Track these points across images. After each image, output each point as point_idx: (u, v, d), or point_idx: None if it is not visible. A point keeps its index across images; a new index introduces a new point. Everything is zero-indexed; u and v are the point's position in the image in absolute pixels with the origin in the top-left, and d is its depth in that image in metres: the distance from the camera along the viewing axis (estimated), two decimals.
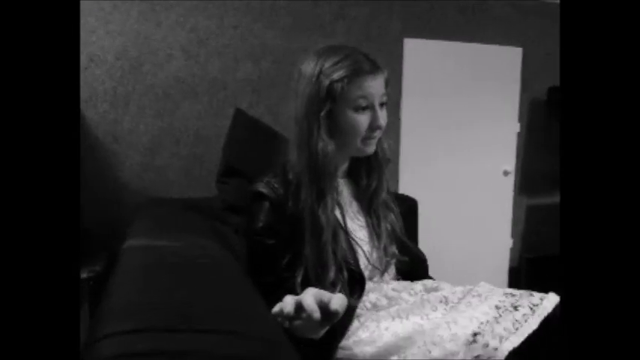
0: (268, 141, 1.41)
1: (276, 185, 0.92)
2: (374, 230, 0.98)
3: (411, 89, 1.89)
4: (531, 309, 0.90)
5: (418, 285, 0.96)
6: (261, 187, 0.92)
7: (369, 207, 0.99)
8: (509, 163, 2.11)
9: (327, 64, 0.88)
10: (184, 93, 1.61)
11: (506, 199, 2.14)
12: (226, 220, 1.25)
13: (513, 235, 2.18)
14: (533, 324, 0.81)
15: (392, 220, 1.02)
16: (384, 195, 1.00)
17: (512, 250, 2.19)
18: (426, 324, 0.85)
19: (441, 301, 0.90)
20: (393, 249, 1.00)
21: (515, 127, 2.10)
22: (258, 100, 1.71)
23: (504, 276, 2.19)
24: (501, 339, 0.79)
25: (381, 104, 0.91)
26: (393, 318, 0.88)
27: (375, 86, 0.90)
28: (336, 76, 0.86)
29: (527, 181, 2.18)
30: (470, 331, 0.79)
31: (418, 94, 1.92)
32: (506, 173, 2.10)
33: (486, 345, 0.78)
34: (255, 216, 0.91)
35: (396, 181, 1.87)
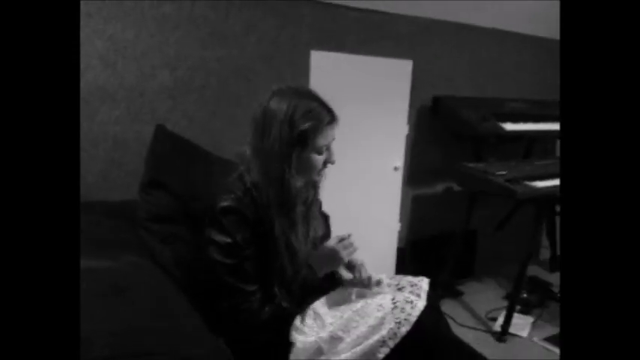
0: (188, 155, 1.56)
1: (246, 203, 1.12)
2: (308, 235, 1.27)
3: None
4: (412, 285, 1.25)
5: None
6: (236, 204, 1.12)
7: (306, 214, 1.24)
8: (399, 160, 2.44)
9: (298, 113, 1.10)
10: (102, 99, 1.67)
11: (396, 191, 2.48)
12: (151, 229, 1.40)
13: (401, 221, 2.55)
14: (423, 297, 1.15)
15: (315, 225, 1.31)
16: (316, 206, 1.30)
17: (399, 233, 2.56)
18: (356, 304, 1.17)
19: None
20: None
21: (405, 129, 2.42)
22: (174, 106, 1.82)
23: (394, 254, 2.56)
24: (410, 304, 1.12)
25: None
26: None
27: (333, 133, 1.16)
28: (306, 126, 1.09)
29: (413, 175, 2.54)
30: (389, 302, 1.11)
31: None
32: (396, 169, 2.44)
33: (402, 309, 1.10)
34: (233, 229, 1.11)
35: None
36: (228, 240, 1.12)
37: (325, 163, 1.22)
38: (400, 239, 2.57)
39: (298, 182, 1.16)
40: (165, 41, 1.75)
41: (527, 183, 2.06)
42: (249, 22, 1.91)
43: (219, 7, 1.83)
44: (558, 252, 2.99)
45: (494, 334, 2.18)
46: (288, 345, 1.15)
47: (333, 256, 1.21)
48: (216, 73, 1.87)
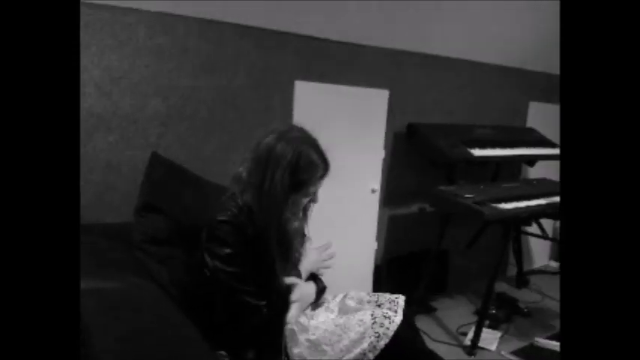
0: (180, 179, 1.66)
1: (241, 220, 1.24)
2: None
3: (300, 122, 2.24)
4: (390, 302, 1.36)
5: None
6: (231, 219, 1.24)
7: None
8: (376, 182, 2.58)
9: (300, 163, 1.23)
10: (97, 126, 1.75)
11: (373, 212, 2.62)
12: (147, 250, 1.49)
13: (377, 240, 2.69)
14: (399, 312, 1.27)
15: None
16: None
17: (376, 251, 2.69)
18: (339, 319, 1.29)
19: (337, 306, 1.37)
20: None
21: (381, 154, 2.57)
22: (166, 132, 1.91)
23: (370, 272, 2.68)
24: (387, 319, 1.24)
25: None
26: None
27: (322, 182, 1.30)
28: (305, 177, 1.23)
29: (389, 196, 2.69)
30: (369, 317, 1.23)
31: (306, 126, 2.26)
32: (373, 191, 2.58)
33: (381, 324, 1.22)
34: (231, 240, 1.24)
35: None
36: (228, 250, 1.23)
37: (310, 202, 1.36)
38: (377, 257, 2.70)
39: (295, 223, 1.30)
40: (159, 71, 1.85)
41: (494, 205, 2.23)
42: (238, 54, 2.03)
43: (211, 39, 1.95)
44: (523, 269, 3.18)
45: (464, 348, 2.32)
46: (281, 353, 1.25)
47: (316, 267, 1.37)
48: (206, 102, 1.98)
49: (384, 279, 2.66)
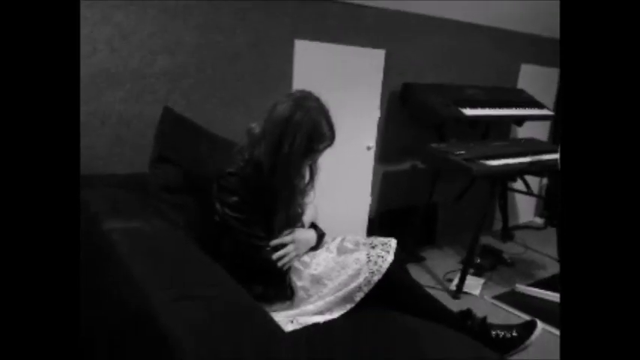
0: (191, 133, 1.77)
1: (248, 172, 1.41)
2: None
3: (300, 82, 2.32)
4: (383, 244, 1.52)
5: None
6: (238, 171, 1.41)
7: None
8: (372, 140, 2.71)
9: (316, 133, 1.37)
10: (108, 82, 1.84)
11: (368, 168, 2.75)
12: (162, 198, 1.61)
13: (372, 194, 2.84)
14: (391, 253, 1.43)
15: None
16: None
17: (370, 205, 2.85)
18: (337, 258, 1.44)
19: (336, 247, 1.51)
20: None
21: (377, 113, 2.68)
22: (173, 88, 2.00)
23: (365, 223, 2.84)
24: (381, 258, 1.40)
25: None
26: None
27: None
28: (317, 146, 1.35)
29: (383, 153, 2.82)
30: (364, 257, 1.38)
31: (305, 83, 2.34)
32: (368, 148, 2.70)
33: (375, 262, 1.38)
34: (238, 189, 1.40)
35: None
36: (236, 199, 1.37)
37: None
38: (371, 210, 2.86)
39: (303, 182, 1.44)
40: (165, 29, 1.92)
41: (482, 162, 2.37)
42: (239, 13, 2.09)
43: None
44: (508, 224, 3.37)
45: (450, 292, 2.52)
46: (286, 287, 1.42)
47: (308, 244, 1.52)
48: (209, 59, 2.06)
49: (377, 230, 2.83)
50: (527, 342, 1.66)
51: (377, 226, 2.84)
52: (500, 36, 3.18)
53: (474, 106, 2.68)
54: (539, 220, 3.84)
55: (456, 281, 2.56)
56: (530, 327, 1.69)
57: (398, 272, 1.46)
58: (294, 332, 1.30)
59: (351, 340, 1.26)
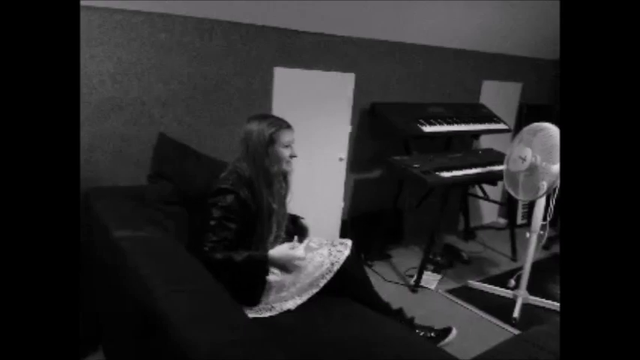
0: (182, 154, 2.11)
1: (240, 185, 1.74)
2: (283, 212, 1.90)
3: (279, 105, 2.67)
4: (341, 243, 1.88)
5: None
6: (230, 187, 1.73)
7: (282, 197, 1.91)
8: (344, 152, 3.06)
9: (265, 124, 1.78)
10: (112, 108, 2.18)
11: (341, 176, 3.10)
12: (159, 208, 1.95)
13: (344, 200, 3.19)
14: (347, 249, 1.78)
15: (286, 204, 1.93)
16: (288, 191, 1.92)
17: (343, 209, 3.20)
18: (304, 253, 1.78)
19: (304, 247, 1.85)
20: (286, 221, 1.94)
21: (348, 128, 3.03)
22: (167, 112, 2.33)
23: (338, 226, 3.20)
24: (340, 252, 1.76)
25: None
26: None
27: (291, 135, 1.81)
28: (272, 129, 1.73)
29: (354, 164, 3.17)
30: (327, 252, 1.75)
31: (284, 108, 2.70)
32: (341, 159, 3.05)
33: (335, 255, 1.75)
34: (226, 200, 1.72)
35: None
36: (219, 213, 1.71)
37: (290, 157, 1.83)
38: (344, 214, 3.21)
39: (274, 168, 1.78)
40: (161, 62, 2.25)
41: (437, 173, 2.73)
42: (226, 45, 2.43)
43: (203, 34, 2.34)
44: (470, 224, 3.74)
45: (409, 286, 2.89)
46: (263, 283, 1.77)
47: (285, 263, 1.80)
48: (200, 86, 2.40)
49: (350, 232, 3.19)
50: (442, 343, 2.08)
51: (349, 228, 3.19)
52: (463, 56, 3.53)
53: (433, 122, 3.03)
54: (502, 221, 4.21)
55: (415, 277, 2.92)
56: (447, 332, 2.13)
57: (353, 266, 1.86)
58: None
59: (308, 323, 1.62)
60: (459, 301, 2.77)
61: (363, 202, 3.29)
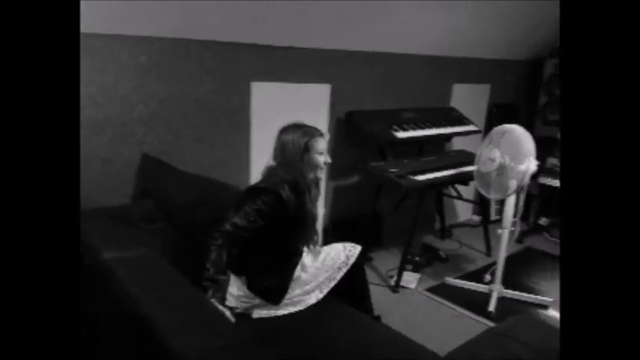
0: (164, 173, 2.18)
1: (282, 186, 1.81)
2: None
3: (258, 118, 2.76)
4: (351, 245, 1.99)
5: None
6: (268, 185, 1.81)
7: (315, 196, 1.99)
8: None
9: (299, 134, 1.87)
10: (94, 130, 2.23)
11: (321, 183, 3.19)
12: (142, 226, 2.02)
13: (325, 206, 3.29)
14: (358, 250, 1.95)
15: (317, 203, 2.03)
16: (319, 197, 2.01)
17: (324, 215, 3.30)
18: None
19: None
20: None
21: (326, 136, 3.13)
22: (148, 131, 2.39)
23: (320, 232, 3.30)
24: (351, 250, 1.93)
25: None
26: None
27: (323, 142, 1.92)
28: (306, 139, 1.85)
29: (334, 170, 3.27)
30: (341, 246, 1.94)
31: (262, 119, 2.79)
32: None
33: (350, 250, 1.95)
34: (267, 202, 1.79)
35: (249, 183, 2.77)
36: (250, 208, 1.78)
37: (325, 163, 1.95)
38: (325, 220, 3.31)
39: (310, 175, 1.89)
40: (140, 83, 2.32)
41: (412, 177, 2.85)
42: (202, 63, 2.50)
43: (180, 54, 2.41)
44: (446, 223, 3.89)
45: (390, 287, 3.00)
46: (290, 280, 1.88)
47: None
48: (179, 105, 2.47)
49: (332, 237, 3.28)
50: None
51: (331, 233, 3.29)
52: (433, 61, 3.66)
53: (406, 128, 3.16)
54: (476, 218, 4.37)
55: (395, 277, 3.04)
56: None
57: (362, 268, 2.06)
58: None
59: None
60: (438, 299, 2.90)
61: (343, 207, 3.40)
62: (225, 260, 1.75)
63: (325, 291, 1.91)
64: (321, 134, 1.93)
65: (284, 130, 1.91)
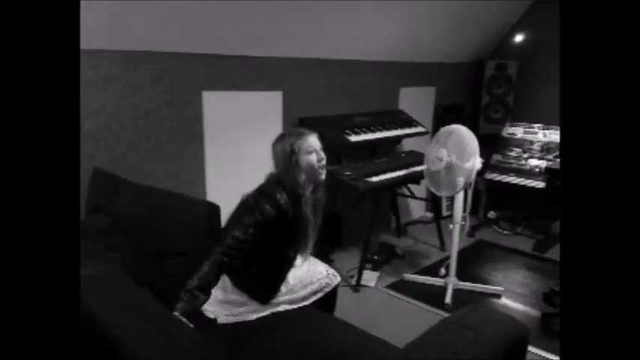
0: (116, 186, 2.15)
1: (281, 193, 1.83)
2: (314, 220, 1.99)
3: (211, 128, 2.76)
4: (334, 275, 2.03)
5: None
6: (265, 189, 1.84)
7: (314, 208, 1.97)
8: None
9: (287, 137, 1.87)
10: None
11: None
12: (98, 241, 1.99)
13: None
14: (337, 281, 2.05)
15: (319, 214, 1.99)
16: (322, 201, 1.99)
17: None
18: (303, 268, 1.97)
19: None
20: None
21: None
22: (99, 144, 2.34)
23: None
24: (332, 280, 2.02)
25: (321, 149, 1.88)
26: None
27: (313, 140, 1.89)
28: (292, 139, 1.84)
29: None
30: (325, 270, 2.01)
31: (215, 128, 2.79)
32: None
33: (327, 281, 1.99)
34: (265, 212, 1.79)
35: (205, 193, 2.77)
36: (251, 221, 1.79)
37: (319, 161, 1.90)
38: None
39: (302, 177, 1.86)
40: (89, 98, 2.27)
41: (367, 179, 2.94)
42: (153, 75, 2.48)
43: (129, 65, 2.38)
44: (401, 221, 4.02)
45: (352, 286, 3.08)
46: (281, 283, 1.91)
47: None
48: (131, 117, 2.44)
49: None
50: None
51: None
52: (381, 67, 3.79)
53: (358, 132, 3.26)
54: (428, 215, 4.55)
55: (356, 277, 3.12)
56: None
57: (335, 291, 2.13)
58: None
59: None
60: (397, 295, 3.01)
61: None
62: (213, 280, 1.73)
63: (295, 306, 1.94)
64: (307, 133, 1.90)
65: (275, 142, 1.93)
